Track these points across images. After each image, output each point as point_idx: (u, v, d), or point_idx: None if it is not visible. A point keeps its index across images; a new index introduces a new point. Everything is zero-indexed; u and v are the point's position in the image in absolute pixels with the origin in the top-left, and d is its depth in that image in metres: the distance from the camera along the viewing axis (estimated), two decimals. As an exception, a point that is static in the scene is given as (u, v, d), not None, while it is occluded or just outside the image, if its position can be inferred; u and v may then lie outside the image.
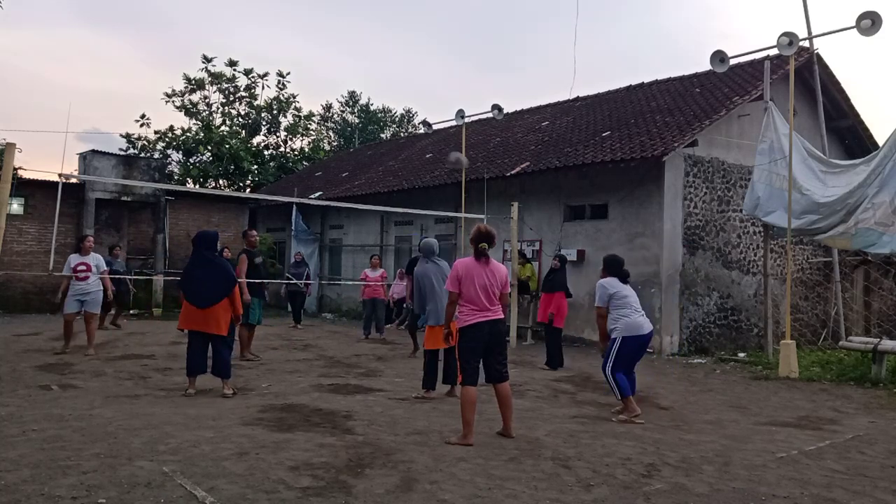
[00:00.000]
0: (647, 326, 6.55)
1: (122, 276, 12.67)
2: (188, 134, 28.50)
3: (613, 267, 6.77)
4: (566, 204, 13.92)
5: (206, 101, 30.47)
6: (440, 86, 69.45)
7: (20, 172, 10.16)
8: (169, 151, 28.92)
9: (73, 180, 16.19)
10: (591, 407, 7.08)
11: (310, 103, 52.02)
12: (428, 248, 7.65)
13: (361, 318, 17.41)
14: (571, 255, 13.38)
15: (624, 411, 6.43)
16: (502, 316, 5.50)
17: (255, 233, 10.59)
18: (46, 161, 24.13)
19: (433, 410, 6.54)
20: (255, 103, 30.71)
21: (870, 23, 9.29)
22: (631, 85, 17.92)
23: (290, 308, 15.99)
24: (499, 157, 16.15)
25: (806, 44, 11.79)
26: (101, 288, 10.25)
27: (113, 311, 12.88)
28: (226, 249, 11.35)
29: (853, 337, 10.98)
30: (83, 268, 10.02)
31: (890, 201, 9.56)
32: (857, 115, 14.97)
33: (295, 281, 15.22)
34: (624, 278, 6.69)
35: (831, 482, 4.51)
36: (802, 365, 9.90)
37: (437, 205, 15.37)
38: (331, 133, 39.14)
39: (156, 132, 29.13)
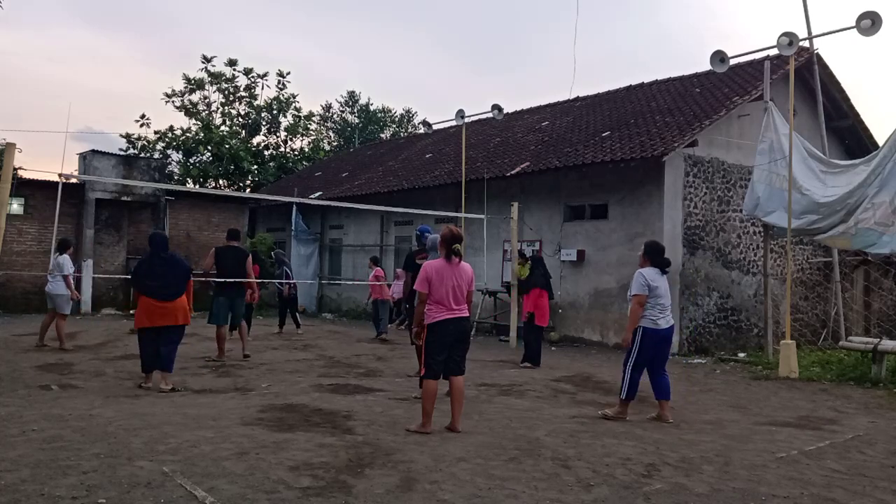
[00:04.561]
0: (667, 322, 6.33)
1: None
2: (188, 134, 28.50)
3: (655, 254, 6.41)
4: (566, 204, 13.92)
5: (206, 101, 30.50)
6: (440, 86, 69.53)
7: (20, 172, 10.20)
8: (169, 151, 28.92)
9: (73, 180, 16.17)
10: (591, 407, 7.07)
11: (310, 103, 52.14)
12: (436, 244, 7.44)
13: (362, 318, 17.52)
14: (571, 255, 13.38)
15: (615, 409, 6.44)
16: (468, 314, 5.73)
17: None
18: (46, 161, 24.14)
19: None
20: (255, 103, 30.71)
21: (870, 23, 9.28)
22: (631, 85, 17.93)
23: (279, 312, 14.29)
24: (499, 157, 16.14)
25: (806, 44, 11.79)
26: None
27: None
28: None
29: (853, 337, 10.97)
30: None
31: (890, 201, 9.55)
32: (857, 115, 14.98)
33: (274, 281, 13.72)
34: (664, 267, 6.39)
35: (831, 482, 4.50)
36: (802, 365, 9.90)
37: (437, 205, 15.36)
38: (331, 133, 39.14)
39: (156, 132, 29.17)
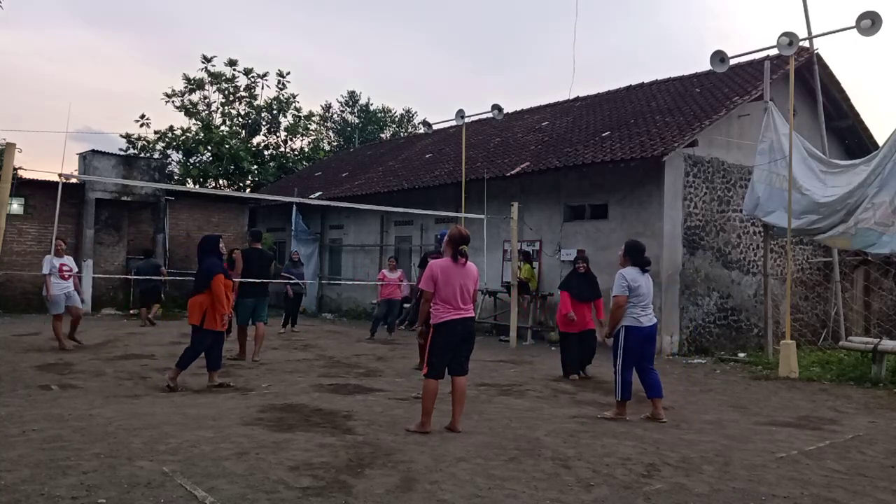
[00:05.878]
0: (649, 321, 6.38)
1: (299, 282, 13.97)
2: (188, 134, 28.49)
3: (635, 254, 6.51)
4: (566, 204, 13.91)
5: (206, 101, 30.48)
6: (440, 86, 69.53)
7: (20, 172, 10.19)
8: (169, 151, 28.91)
9: (73, 180, 16.18)
10: (591, 407, 7.07)
11: (310, 103, 52.09)
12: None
13: (362, 318, 17.44)
14: (571, 255, 13.36)
15: (613, 411, 6.46)
16: (473, 314, 5.75)
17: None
18: (46, 161, 24.12)
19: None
20: (255, 103, 30.68)
21: (870, 23, 9.28)
22: (631, 85, 17.92)
23: (286, 310, 14.29)
24: (499, 157, 16.14)
25: (806, 44, 11.78)
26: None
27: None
28: (236, 251, 11.19)
29: (853, 337, 10.97)
30: (67, 267, 10.64)
31: (890, 201, 9.55)
32: (857, 115, 14.97)
33: (297, 281, 13.99)
34: (644, 266, 6.50)
35: (831, 482, 4.51)
36: (802, 365, 9.90)
37: (437, 205, 15.37)
38: (331, 133, 39.13)
39: (156, 132, 29.15)
